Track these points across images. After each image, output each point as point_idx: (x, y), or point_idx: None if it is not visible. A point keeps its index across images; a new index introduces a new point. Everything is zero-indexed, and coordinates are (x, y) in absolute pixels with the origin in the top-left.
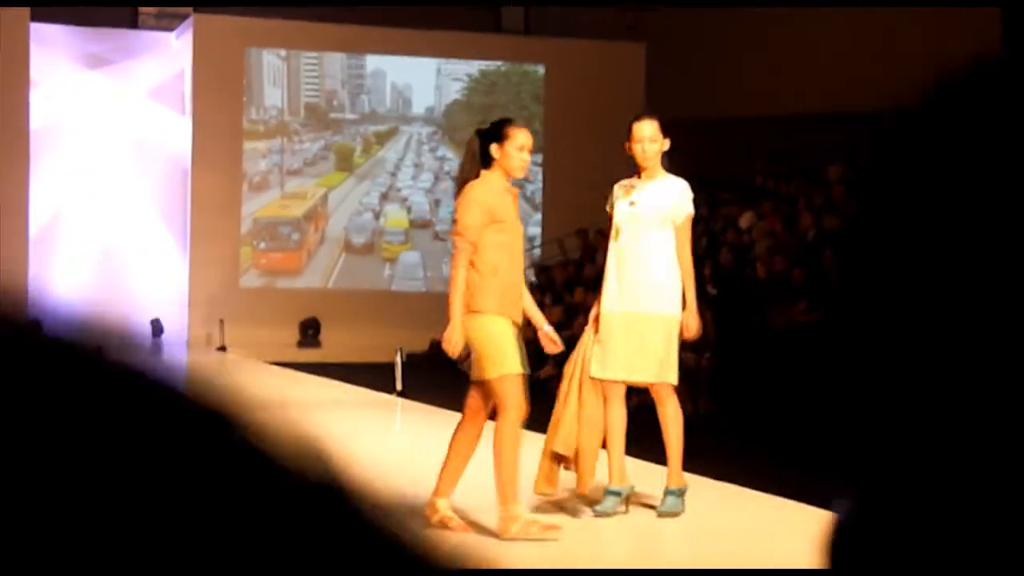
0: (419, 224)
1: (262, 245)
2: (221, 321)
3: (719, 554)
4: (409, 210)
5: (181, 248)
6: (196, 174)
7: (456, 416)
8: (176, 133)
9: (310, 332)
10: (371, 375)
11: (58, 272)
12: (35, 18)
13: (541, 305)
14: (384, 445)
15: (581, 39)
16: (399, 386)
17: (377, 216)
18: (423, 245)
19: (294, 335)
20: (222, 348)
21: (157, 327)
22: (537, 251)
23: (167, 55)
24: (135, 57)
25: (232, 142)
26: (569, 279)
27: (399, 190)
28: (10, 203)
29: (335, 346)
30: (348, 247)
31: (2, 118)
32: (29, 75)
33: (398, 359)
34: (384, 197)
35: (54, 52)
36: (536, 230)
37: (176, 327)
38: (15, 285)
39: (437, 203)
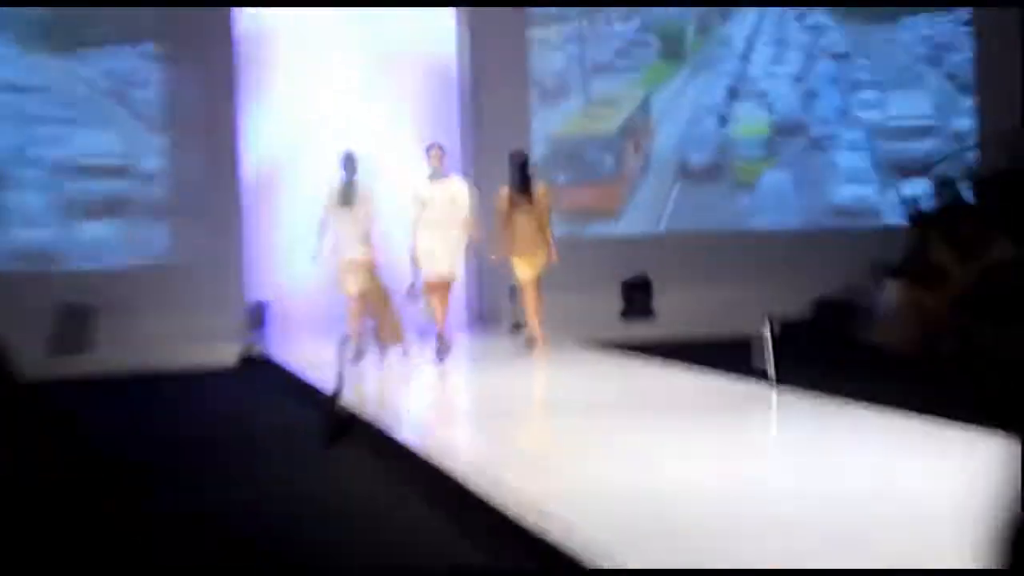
0: (786, 129)
1: (561, 178)
2: (512, 288)
3: None
4: (770, 109)
5: None
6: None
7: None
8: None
9: (638, 297)
10: (721, 354)
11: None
12: None
13: None
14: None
15: None
16: (770, 370)
17: (724, 122)
18: (794, 160)
19: (614, 302)
20: (516, 326)
21: (259, 313)
22: None
23: None
24: None
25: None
26: None
27: (754, 81)
28: None
29: (673, 314)
30: (684, 171)
31: None
32: None
33: (767, 332)
34: (733, 94)
35: None
36: None
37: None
38: None
39: (811, 96)
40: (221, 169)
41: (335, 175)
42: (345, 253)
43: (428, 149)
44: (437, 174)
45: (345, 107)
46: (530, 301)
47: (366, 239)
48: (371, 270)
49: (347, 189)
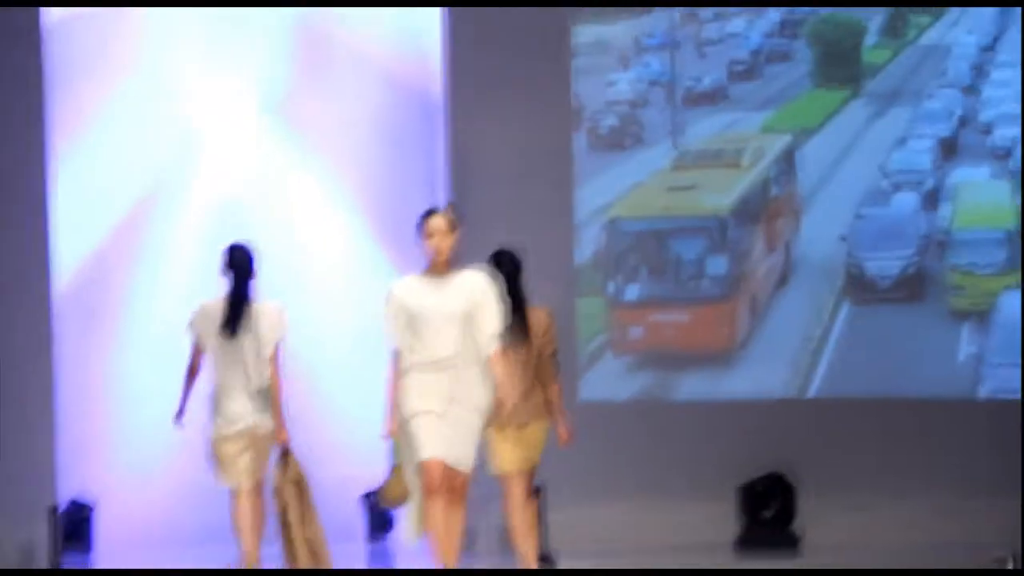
0: None
1: (627, 293)
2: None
3: None
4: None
5: None
6: None
7: None
8: None
9: (768, 510)
10: None
11: None
12: None
13: None
14: None
15: None
16: None
17: (933, 201)
18: None
19: (725, 517)
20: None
21: (75, 521)
22: None
23: None
24: None
25: None
26: None
27: (991, 130)
28: None
29: (833, 542)
30: (858, 287)
31: None
32: None
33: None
34: (949, 149)
35: None
36: None
37: None
38: None
39: None
40: (20, 261)
41: (214, 286)
42: (230, 418)
43: (425, 218)
44: (439, 271)
45: (238, 145)
46: (515, 509)
47: (267, 395)
48: (274, 448)
49: (235, 309)
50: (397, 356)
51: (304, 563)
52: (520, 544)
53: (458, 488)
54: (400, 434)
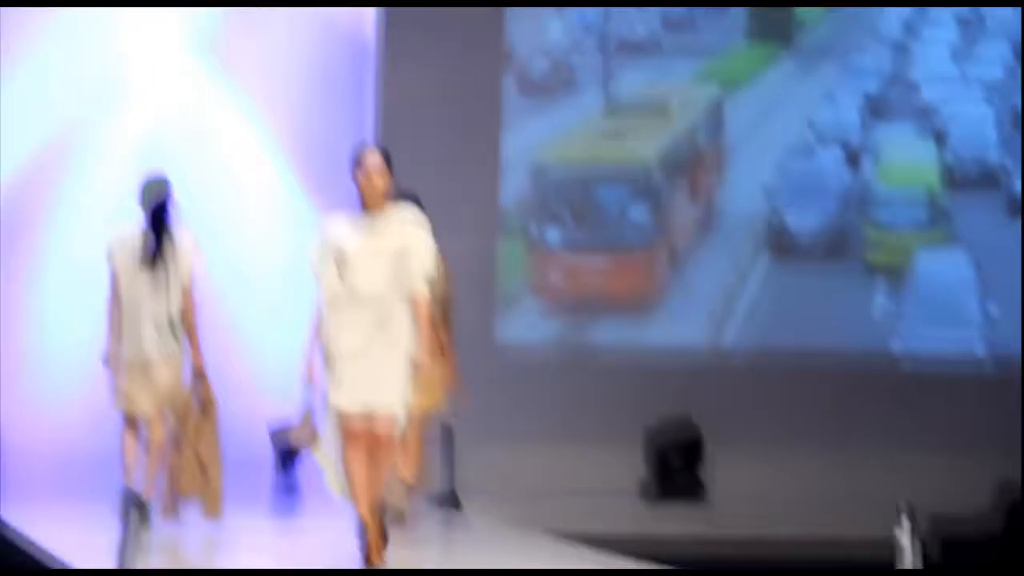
0: (969, 180)
1: (550, 238)
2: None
3: None
4: (943, 142)
5: None
6: None
7: None
8: None
9: (678, 461)
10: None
11: None
12: None
13: None
14: None
15: None
16: None
17: (855, 160)
18: (978, 234)
19: (634, 469)
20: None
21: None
22: None
23: None
24: None
25: None
26: None
27: (917, 91)
28: None
29: (740, 496)
30: (777, 242)
31: None
32: None
33: (905, 538)
34: (875, 109)
35: None
36: None
37: None
38: None
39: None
40: None
41: (130, 216)
42: (133, 346)
43: (357, 158)
44: (374, 207)
45: (165, 80)
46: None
47: (178, 326)
48: (181, 379)
49: (152, 240)
50: (324, 295)
51: (189, 477)
52: (396, 483)
53: (382, 433)
54: (326, 374)
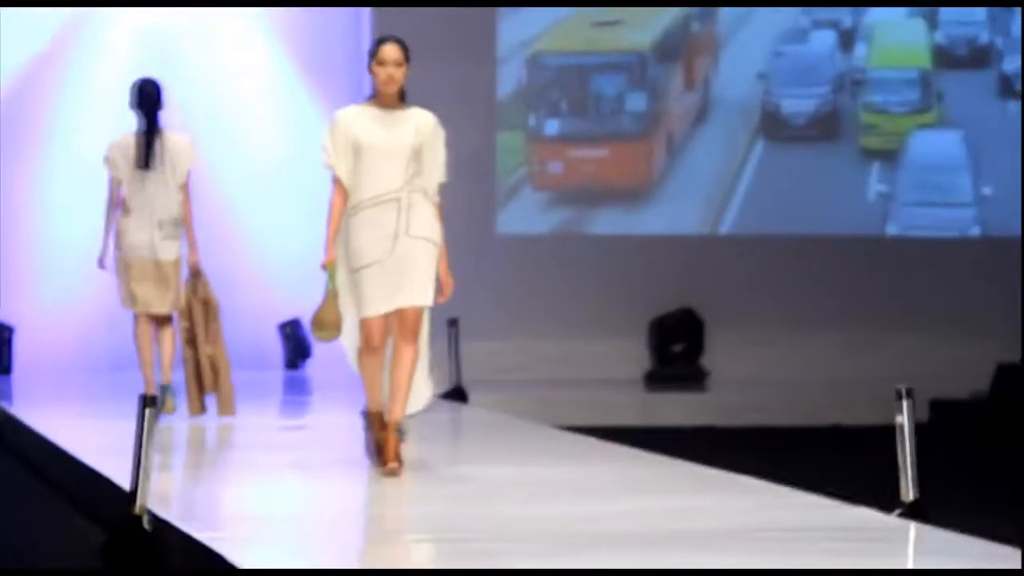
0: (958, 60)
1: (546, 128)
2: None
3: None
4: (933, 24)
5: None
6: None
7: None
8: None
9: (677, 347)
10: (824, 456)
11: None
12: None
13: None
14: None
15: None
16: (909, 490)
17: (847, 42)
18: (969, 114)
19: (636, 354)
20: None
21: None
22: None
23: None
24: None
25: None
26: None
27: None
28: None
29: (739, 380)
30: (771, 125)
31: None
32: None
33: (904, 418)
34: None
35: None
36: None
37: None
38: None
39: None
40: None
41: (125, 120)
42: (140, 248)
43: (379, 44)
44: (389, 99)
45: None
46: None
47: (177, 224)
48: (185, 277)
49: (147, 142)
50: (339, 186)
51: (206, 380)
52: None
53: (410, 325)
54: (348, 281)
